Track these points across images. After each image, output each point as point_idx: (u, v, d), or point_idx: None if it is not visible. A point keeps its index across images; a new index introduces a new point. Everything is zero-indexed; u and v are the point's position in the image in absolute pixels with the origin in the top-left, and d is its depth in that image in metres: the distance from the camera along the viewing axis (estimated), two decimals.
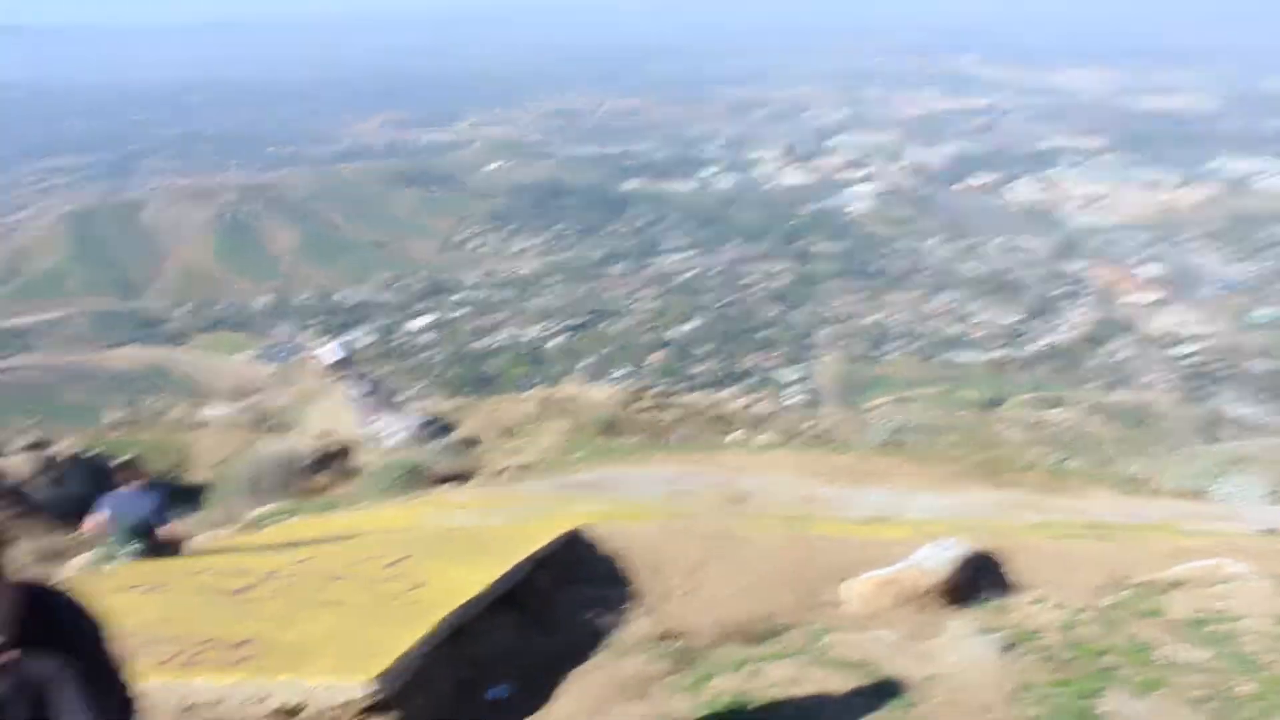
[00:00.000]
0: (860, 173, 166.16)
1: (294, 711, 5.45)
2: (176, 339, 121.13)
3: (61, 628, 2.78)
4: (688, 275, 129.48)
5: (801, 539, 9.42)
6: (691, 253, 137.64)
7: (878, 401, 77.59)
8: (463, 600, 6.79)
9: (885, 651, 5.97)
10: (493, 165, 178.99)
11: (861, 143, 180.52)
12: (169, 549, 9.88)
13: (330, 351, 24.77)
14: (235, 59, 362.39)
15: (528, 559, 8.18)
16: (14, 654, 2.70)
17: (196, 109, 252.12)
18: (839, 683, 5.51)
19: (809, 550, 8.97)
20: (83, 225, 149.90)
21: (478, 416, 29.34)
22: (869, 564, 8.20)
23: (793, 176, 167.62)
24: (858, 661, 5.78)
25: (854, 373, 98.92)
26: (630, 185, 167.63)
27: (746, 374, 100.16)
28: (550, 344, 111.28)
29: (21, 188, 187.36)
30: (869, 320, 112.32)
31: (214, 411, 44.43)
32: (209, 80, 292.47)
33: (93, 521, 10.08)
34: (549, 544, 8.77)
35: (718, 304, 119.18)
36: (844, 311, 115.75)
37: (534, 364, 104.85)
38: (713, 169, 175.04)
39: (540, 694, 6.41)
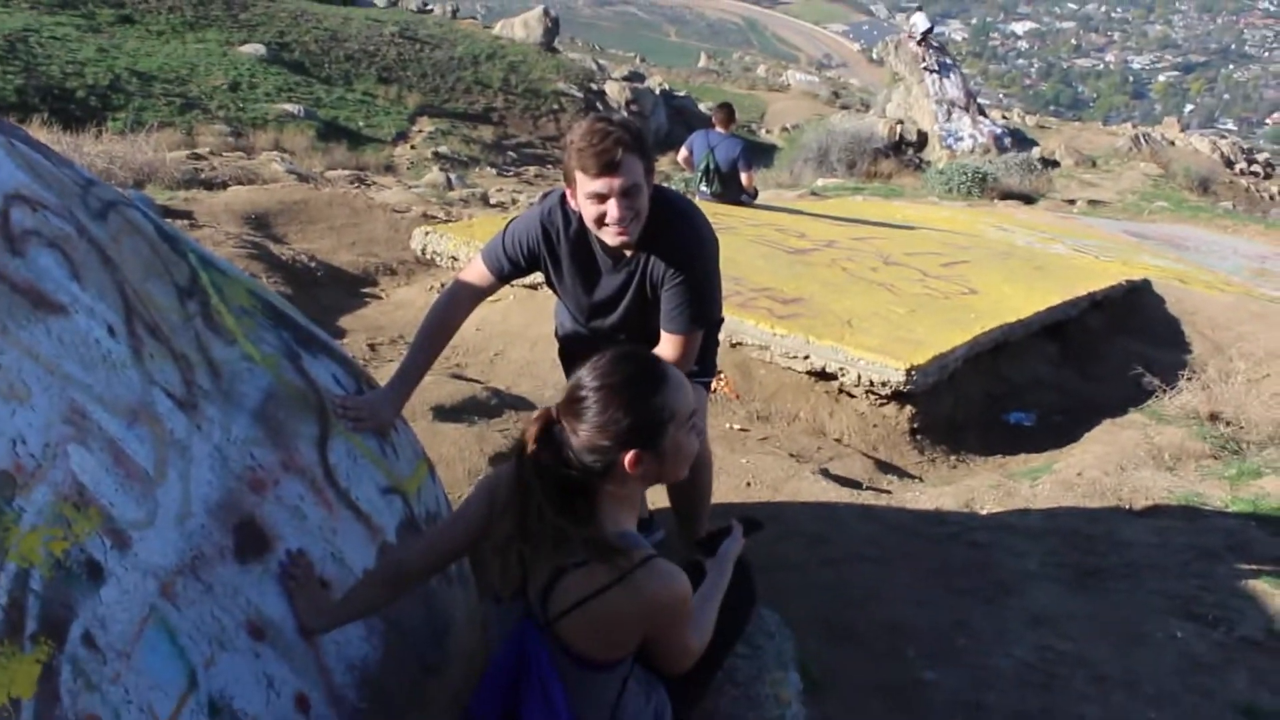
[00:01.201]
0: None
1: (829, 376, 5.72)
2: None
3: (681, 236, 3.06)
4: None
5: None
6: None
7: None
8: (1011, 318, 6.65)
9: None
10: None
11: None
12: (742, 196, 10.43)
13: (920, 21, 24.29)
14: None
15: (1085, 295, 7.79)
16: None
17: None
18: None
19: None
20: None
21: (1059, 138, 27.68)
22: None
23: None
24: None
25: None
26: None
27: None
28: (1159, 78, 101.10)
29: None
30: None
31: (796, 76, 45.50)
32: None
33: (683, 153, 10.79)
34: (1110, 287, 8.28)
35: None
36: None
37: (1135, 97, 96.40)
38: None
39: (1064, 433, 6.26)
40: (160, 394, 2.14)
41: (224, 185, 10.52)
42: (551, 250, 3.13)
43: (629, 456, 1.99)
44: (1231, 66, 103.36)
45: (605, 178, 2.81)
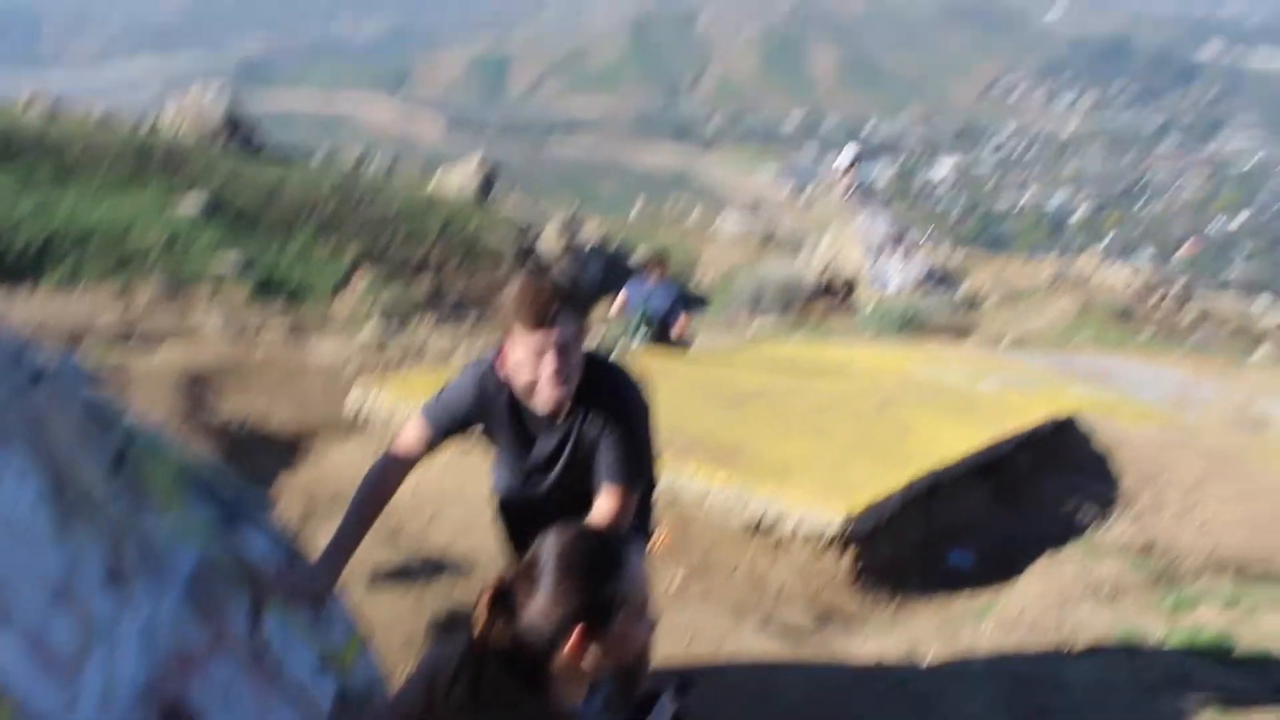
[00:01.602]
0: None
1: (767, 527, 5.74)
2: (706, 145, 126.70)
3: (614, 396, 3.11)
4: (1249, 163, 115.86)
5: None
6: (1261, 138, 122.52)
7: None
8: (946, 458, 6.75)
9: None
10: (1055, 14, 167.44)
11: None
12: (676, 344, 10.54)
13: (848, 152, 25.28)
14: None
15: (1016, 432, 7.94)
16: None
17: None
18: None
19: None
20: (641, 27, 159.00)
21: (985, 275, 28.47)
22: None
23: None
24: None
25: None
26: (1207, 52, 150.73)
27: None
28: (1076, 213, 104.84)
29: None
30: None
31: (728, 222, 46.47)
32: None
33: (617, 303, 10.92)
34: (1039, 423, 8.44)
35: (1276, 203, 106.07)
36: None
37: (1054, 232, 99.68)
38: None
39: (1002, 571, 6.30)
40: (87, 570, 2.12)
41: (158, 344, 10.47)
42: (485, 413, 3.17)
43: (574, 635, 2.00)
44: (1142, 201, 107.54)
45: (541, 331, 2.87)
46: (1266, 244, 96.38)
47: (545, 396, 2.99)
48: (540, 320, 2.86)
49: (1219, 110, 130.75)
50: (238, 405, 8.28)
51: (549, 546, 2.06)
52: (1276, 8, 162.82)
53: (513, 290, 2.94)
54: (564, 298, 2.89)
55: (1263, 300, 58.62)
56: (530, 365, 2.93)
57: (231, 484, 2.91)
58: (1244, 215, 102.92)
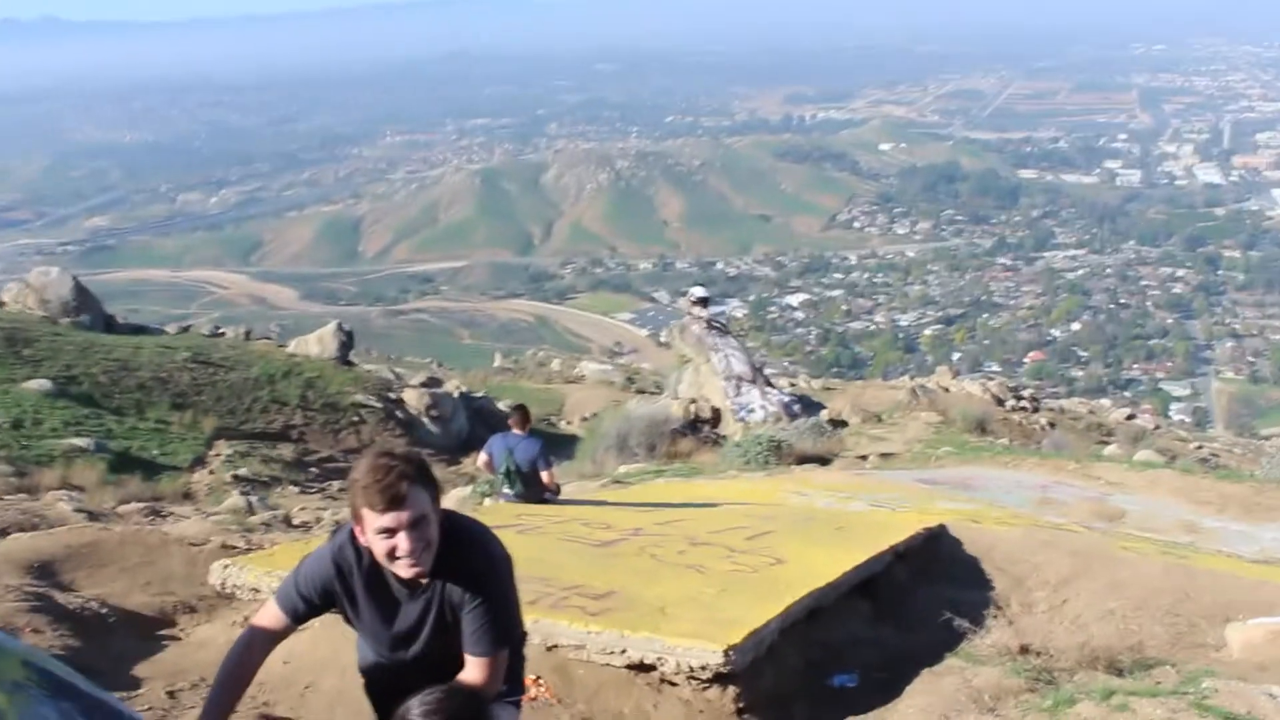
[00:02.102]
0: None
1: (648, 668, 5.68)
2: (562, 295, 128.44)
3: (475, 560, 3.08)
4: (1078, 273, 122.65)
5: (1181, 569, 8.71)
6: (1084, 250, 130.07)
7: None
8: (821, 583, 6.81)
9: (1276, 710, 5.42)
10: (886, 145, 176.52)
11: None
12: (545, 494, 10.53)
13: (697, 290, 26.19)
14: (649, 31, 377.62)
15: (888, 550, 8.08)
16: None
17: (605, 77, 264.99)
18: None
19: (1189, 583, 8.28)
20: (490, 183, 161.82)
21: (845, 398, 29.18)
22: (1259, 609, 7.46)
23: (1208, 174, 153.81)
24: (1243, 715, 5.28)
25: (1255, 395, 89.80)
26: (1027, 174, 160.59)
27: (1131, 384, 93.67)
28: (925, 332, 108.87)
29: (444, 145, 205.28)
30: None
31: (590, 367, 47.01)
32: (619, 50, 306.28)
33: (483, 458, 10.88)
34: (910, 537, 8.62)
35: (1108, 306, 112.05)
36: (1251, 326, 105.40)
37: (907, 351, 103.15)
38: (1118, 162, 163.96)
39: (887, 689, 6.33)
40: None
41: (4, 533, 9.99)
42: (346, 586, 3.11)
43: None
44: (985, 315, 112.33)
45: (393, 513, 2.85)
46: (1103, 346, 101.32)
47: (404, 571, 2.96)
48: (389, 504, 2.85)
49: (1044, 226, 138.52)
50: (94, 588, 7.92)
51: (416, 708, 2.03)
52: (1078, 139, 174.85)
53: (358, 474, 2.92)
54: (411, 477, 2.88)
55: (1106, 400, 61.36)
56: (385, 545, 2.90)
57: (80, 681, 2.77)
58: (1081, 320, 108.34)
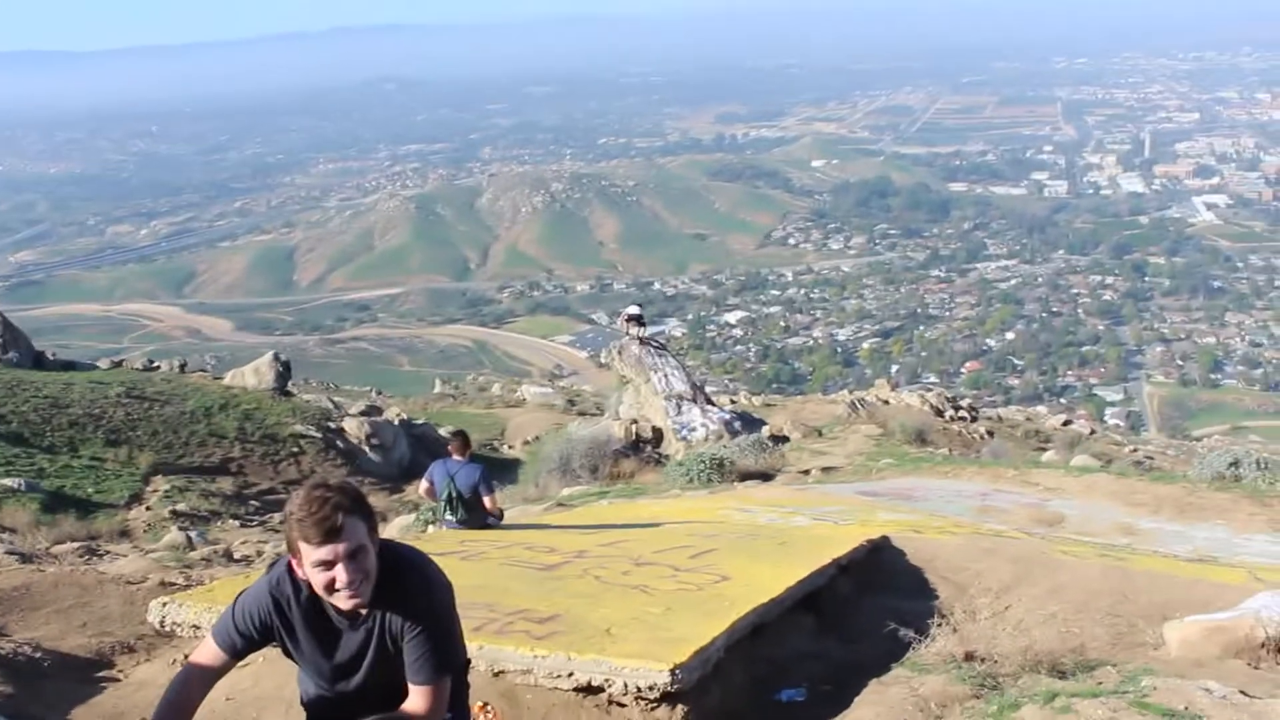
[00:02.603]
0: (1209, 181, 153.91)
1: (595, 689, 5.67)
2: (500, 319, 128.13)
3: (414, 588, 3.07)
4: (1011, 283, 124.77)
5: (1119, 571, 8.87)
6: (1016, 260, 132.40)
7: (1210, 429, 71.74)
8: (765, 599, 6.84)
9: (1212, 705, 5.51)
10: (818, 162, 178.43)
11: (1212, 149, 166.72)
12: (487, 520, 10.48)
13: (629, 310, 26.49)
14: (578, 53, 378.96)
15: (831, 563, 8.13)
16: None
17: (538, 100, 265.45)
18: None
19: (1127, 584, 8.44)
20: (425, 208, 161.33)
21: (785, 414, 29.36)
22: (1195, 607, 7.61)
23: (1132, 183, 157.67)
24: (1181, 712, 5.38)
25: (1185, 397, 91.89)
26: (957, 187, 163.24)
27: (1066, 390, 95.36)
28: (863, 345, 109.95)
29: (377, 172, 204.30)
30: (1207, 341, 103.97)
31: (530, 390, 46.89)
32: (551, 74, 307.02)
33: (424, 485, 10.82)
34: (853, 550, 8.69)
35: (1041, 315, 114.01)
36: (1179, 330, 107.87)
37: (846, 365, 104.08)
38: (1045, 173, 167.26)
39: (834, 701, 6.36)
40: None
41: None
42: (284, 619, 3.08)
43: None
44: (922, 327, 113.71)
45: (329, 545, 2.84)
46: (1038, 354, 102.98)
47: (343, 602, 2.95)
48: (325, 536, 2.83)
49: (975, 238, 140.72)
50: (27, 632, 7.75)
51: None
52: (1005, 151, 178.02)
53: (293, 507, 2.90)
54: (346, 508, 2.87)
55: (1042, 407, 62.32)
56: (323, 578, 2.89)
57: None
58: (1016, 329, 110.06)
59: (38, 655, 7.14)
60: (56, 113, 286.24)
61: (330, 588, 2.90)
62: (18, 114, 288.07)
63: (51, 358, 31.60)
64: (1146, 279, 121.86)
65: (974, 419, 30.70)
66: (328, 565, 2.86)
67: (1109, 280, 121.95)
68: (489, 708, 5.55)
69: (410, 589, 3.06)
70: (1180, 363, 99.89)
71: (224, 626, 3.08)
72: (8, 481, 19.21)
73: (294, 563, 2.98)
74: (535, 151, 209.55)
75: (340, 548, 2.84)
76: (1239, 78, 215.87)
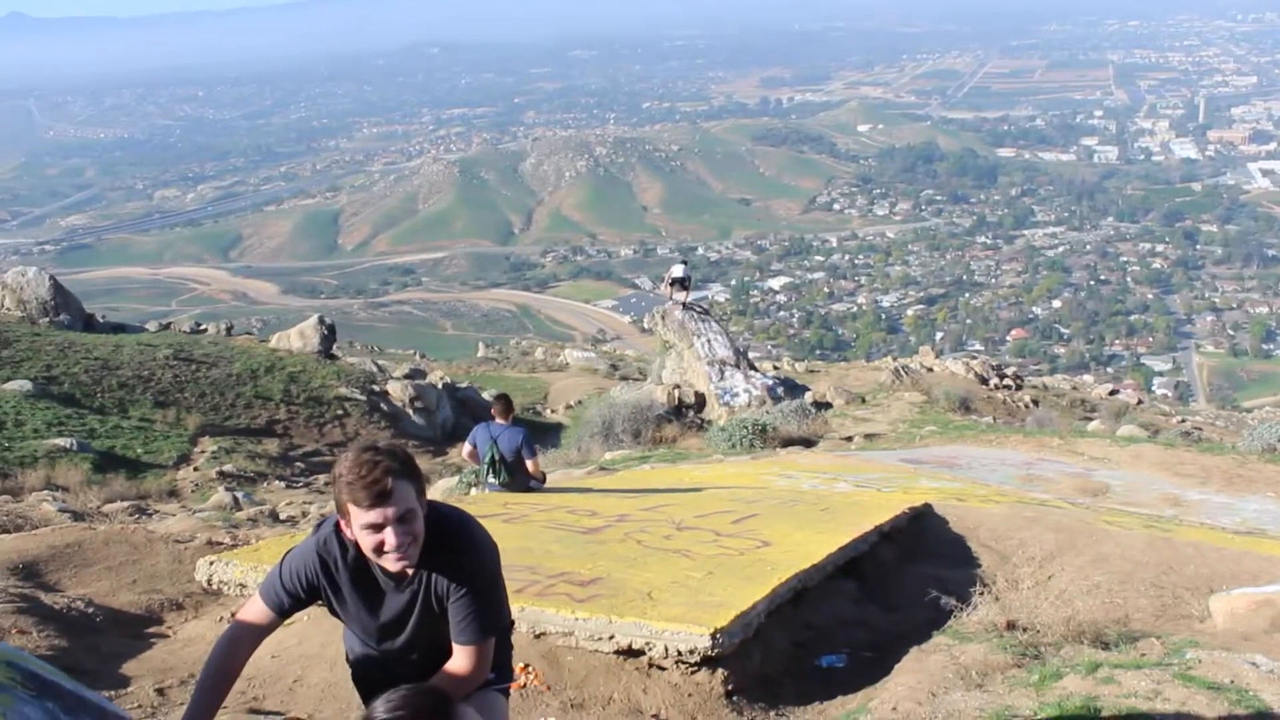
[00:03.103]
0: (1265, 147, 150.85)
1: (636, 653, 5.69)
2: (544, 283, 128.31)
3: (460, 549, 3.08)
4: (1058, 250, 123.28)
5: (1165, 542, 8.76)
6: (1064, 227, 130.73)
7: (1262, 400, 70.70)
8: (806, 565, 6.82)
9: (1259, 679, 5.45)
10: (864, 126, 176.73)
11: (1270, 114, 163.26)
12: (530, 483, 10.53)
13: (677, 269, 26.08)
14: (623, 17, 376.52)
15: (873, 530, 8.10)
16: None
17: (582, 64, 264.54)
18: (1204, 705, 5.09)
19: (1173, 555, 8.34)
20: (468, 172, 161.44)
21: (828, 380, 29.25)
22: (1242, 579, 7.52)
23: (1184, 149, 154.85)
24: (1227, 685, 5.32)
25: (1235, 367, 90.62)
26: (1005, 153, 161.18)
27: (1113, 359, 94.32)
28: (908, 312, 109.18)
29: (421, 136, 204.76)
30: (1259, 311, 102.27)
31: (573, 355, 46.97)
32: (596, 37, 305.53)
33: (467, 448, 10.86)
34: (895, 517, 8.65)
35: (1088, 283, 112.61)
36: (1230, 300, 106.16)
37: (890, 332, 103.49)
38: (1095, 139, 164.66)
39: (874, 668, 6.36)
40: None
41: None
42: (331, 579, 3.11)
43: None
44: (967, 294, 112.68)
45: (379, 508, 2.85)
46: (1085, 323, 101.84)
47: (391, 564, 2.97)
48: (374, 499, 2.85)
49: (1023, 204, 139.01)
50: (80, 588, 7.90)
51: (381, 708, 2.04)
52: (1054, 116, 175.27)
53: (342, 469, 2.91)
54: (396, 471, 2.88)
55: (1088, 376, 61.66)
56: (372, 540, 2.91)
57: (65, 680, 2.76)
58: (1062, 297, 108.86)
59: (90, 610, 7.28)
60: (103, 79, 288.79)
61: (379, 550, 2.92)
62: (65, 80, 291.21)
63: (101, 320, 32.04)
64: (1198, 247, 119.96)
65: (1019, 387, 30.44)
66: (376, 528, 2.88)
67: (1159, 248, 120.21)
68: (530, 668, 5.60)
69: (457, 550, 3.08)
70: (1231, 332, 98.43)
71: (271, 585, 3.12)
72: (60, 441, 19.54)
73: (341, 523, 3.00)
74: (579, 116, 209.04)
75: (389, 511, 2.86)
76: None
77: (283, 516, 14.58)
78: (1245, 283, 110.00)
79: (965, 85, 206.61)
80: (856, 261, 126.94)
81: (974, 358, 43.45)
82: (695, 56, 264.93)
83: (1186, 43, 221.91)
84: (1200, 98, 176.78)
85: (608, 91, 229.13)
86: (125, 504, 14.43)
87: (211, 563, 7.06)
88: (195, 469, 20.73)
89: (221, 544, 9.35)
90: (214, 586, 7.07)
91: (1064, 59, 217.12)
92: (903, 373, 27.46)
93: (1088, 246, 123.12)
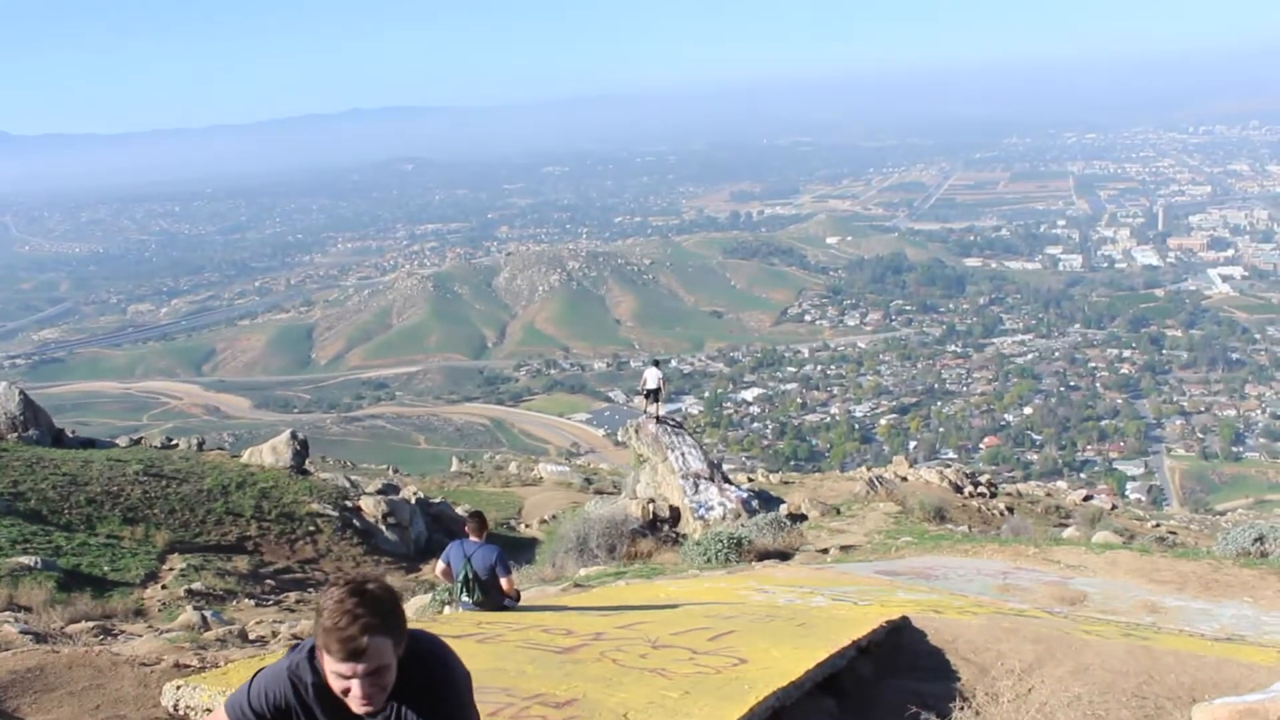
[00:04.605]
0: (1223, 254, 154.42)
1: None
2: (517, 397, 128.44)
3: (435, 681, 3.05)
4: (1028, 358, 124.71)
5: (1145, 650, 8.72)
6: (1032, 335, 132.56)
7: (1234, 503, 71.04)
8: (784, 682, 6.75)
9: None
10: (833, 239, 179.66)
11: (1226, 221, 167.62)
12: (504, 601, 10.40)
13: (651, 376, 26.09)
14: (595, 134, 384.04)
15: (851, 645, 8.03)
16: None
17: (554, 180, 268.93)
18: None
19: (1153, 664, 8.30)
20: (442, 287, 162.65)
21: (803, 492, 29.22)
22: (1224, 688, 7.49)
23: (1146, 256, 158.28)
24: None
25: (1206, 470, 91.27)
26: (972, 263, 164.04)
27: (1085, 465, 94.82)
28: (881, 422, 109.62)
29: (395, 251, 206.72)
30: (1227, 414, 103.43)
31: (547, 469, 46.76)
32: (566, 153, 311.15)
33: (440, 567, 10.76)
34: (873, 631, 8.58)
35: (1058, 389, 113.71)
36: (1198, 403, 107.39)
37: (863, 441, 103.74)
38: (1059, 247, 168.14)
39: None
40: None
41: None
42: (302, 702, 3.07)
43: None
44: (939, 403, 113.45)
45: (349, 664, 2.83)
46: (1056, 429, 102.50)
47: (356, 709, 2.93)
48: (347, 655, 2.82)
49: (991, 313, 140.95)
50: (40, 715, 7.69)
51: None
52: (1018, 226, 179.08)
53: (324, 609, 2.88)
54: (375, 629, 2.84)
55: (1062, 482, 61.79)
56: (340, 685, 2.88)
57: None
58: (1033, 404, 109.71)
59: None
60: (81, 194, 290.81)
61: (345, 694, 2.89)
62: (44, 195, 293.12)
63: (71, 435, 31.75)
64: (1164, 352, 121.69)
65: (993, 495, 30.48)
66: (345, 678, 2.85)
67: (1126, 353, 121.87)
68: None
69: (431, 684, 3.04)
70: (1201, 436, 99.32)
71: (238, 703, 3.07)
72: (24, 559, 19.19)
73: (318, 649, 2.98)
74: (552, 230, 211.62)
75: (360, 668, 2.83)
76: (1249, 150, 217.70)
77: (252, 636, 14.30)
78: (1211, 386, 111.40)
79: (931, 197, 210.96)
80: (829, 372, 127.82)
81: (948, 466, 43.53)
82: (666, 171, 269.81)
83: (1142, 154, 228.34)
84: (1159, 206, 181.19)
85: (580, 206, 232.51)
86: (90, 624, 14.12)
87: (179, 687, 6.91)
88: (163, 587, 20.36)
89: (189, 666, 9.15)
90: (181, 712, 6.91)
91: (1026, 170, 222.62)
92: (877, 483, 27.47)
93: (1056, 353, 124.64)
